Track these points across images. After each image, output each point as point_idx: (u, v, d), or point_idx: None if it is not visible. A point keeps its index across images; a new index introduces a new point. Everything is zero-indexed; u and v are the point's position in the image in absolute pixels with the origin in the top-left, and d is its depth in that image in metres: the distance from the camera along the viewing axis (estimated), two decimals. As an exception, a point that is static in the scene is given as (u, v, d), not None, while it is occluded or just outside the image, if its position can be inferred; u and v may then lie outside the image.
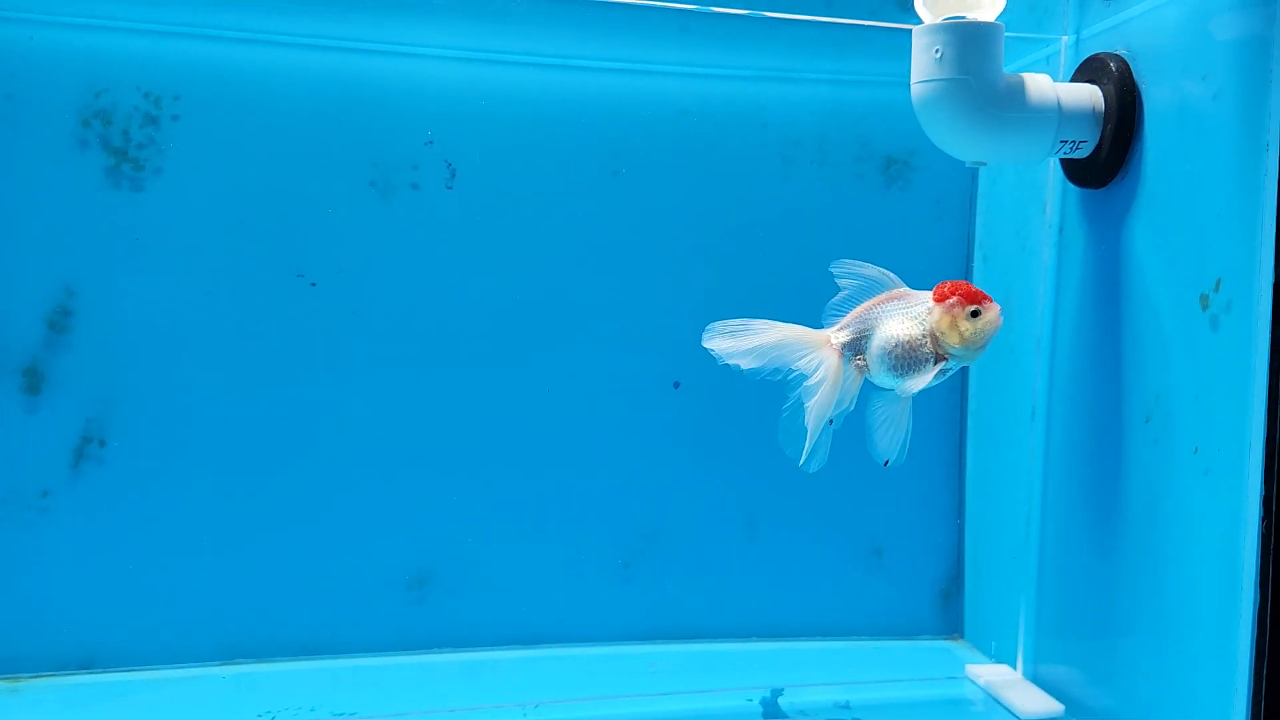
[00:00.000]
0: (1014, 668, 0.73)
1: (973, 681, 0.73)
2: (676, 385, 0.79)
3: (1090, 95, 0.62)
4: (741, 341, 0.57)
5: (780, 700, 0.69)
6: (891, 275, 0.59)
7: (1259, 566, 0.50)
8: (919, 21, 0.60)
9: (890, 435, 0.58)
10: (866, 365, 0.58)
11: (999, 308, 0.56)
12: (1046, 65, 0.71)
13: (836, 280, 0.59)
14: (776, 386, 0.79)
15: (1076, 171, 0.66)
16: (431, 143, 0.74)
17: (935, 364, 0.56)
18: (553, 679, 0.71)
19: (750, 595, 0.80)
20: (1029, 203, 0.76)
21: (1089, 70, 0.64)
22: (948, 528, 0.83)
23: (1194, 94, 0.56)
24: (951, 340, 0.56)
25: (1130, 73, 0.61)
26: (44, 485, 0.70)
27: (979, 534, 0.82)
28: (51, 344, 0.69)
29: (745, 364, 0.58)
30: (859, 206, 0.80)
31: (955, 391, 0.83)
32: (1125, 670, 0.61)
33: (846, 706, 0.68)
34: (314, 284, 0.73)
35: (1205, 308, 0.55)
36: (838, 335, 0.58)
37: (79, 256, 0.69)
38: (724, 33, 0.71)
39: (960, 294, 0.56)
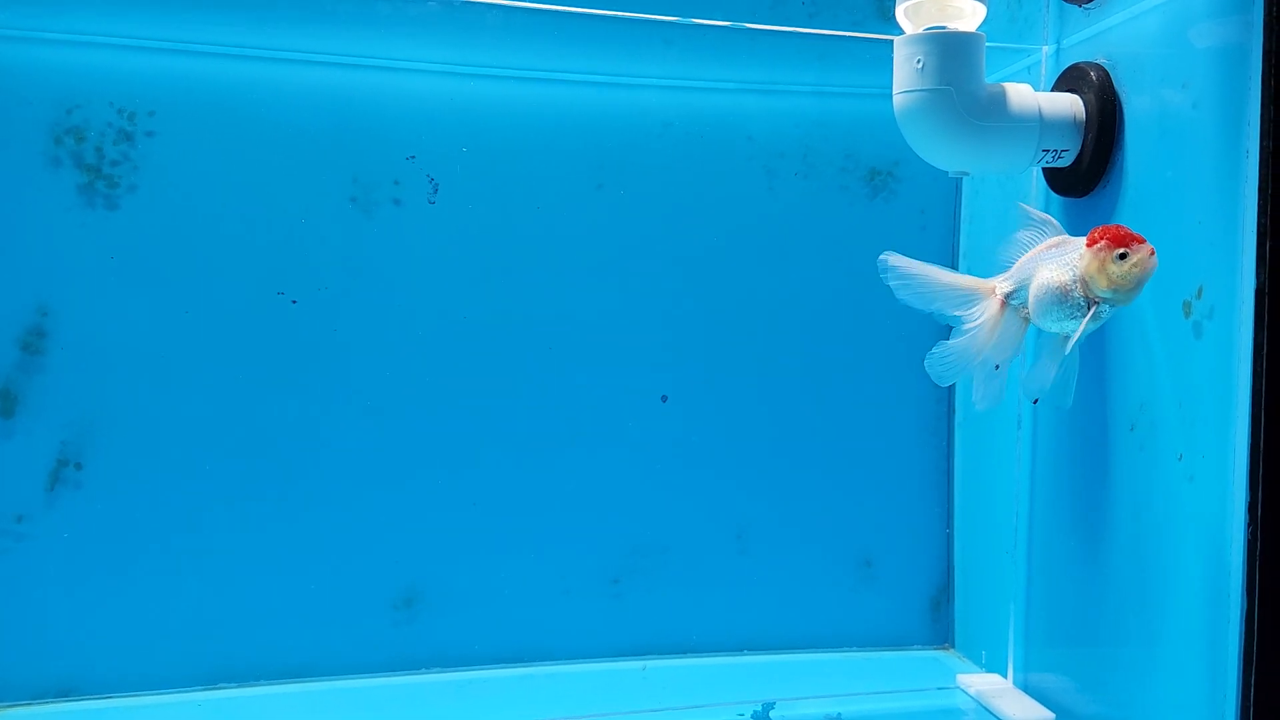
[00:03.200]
0: (1004, 676, 0.73)
1: (964, 691, 0.73)
2: (664, 399, 0.78)
3: (1071, 104, 0.62)
4: (914, 273, 0.60)
5: (772, 714, 0.68)
6: (1053, 221, 0.60)
7: (1245, 572, 0.50)
8: (901, 32, 0.60)
9: (1040, 374, 0.60)
10: (1029, 313, 0.59)
11: (1151, 249, 0.55)
12: (1027, 75, 0.71)
13: (1021, 220, 0.61)
14: (762, 397, 0.80)
15: (1059, 180, 0.66)
16: (413, 158, 0.73)
17: (1089, 309, 0.57)
18: (543, 697, 0.71)
19: (741, 608, 0.80)
20: (1013, 212, 0.76)
21: (1070, 79, 0.64)
22: (937, 537, 0.83)
23: (1174, 102, 0.56)
24: (1100, 284, 0.56)
25: (1110, 81, 0.61)
26: (19, 510, 0.68)
27: (968, 543, 0.82)
28: (25, 366, 0.68)
29: (910, 297, 0.61)
30: (844, 217, 0.80)
31: (943, 401, 0.83)
32: (1115, 678, 0.61)
33: (838, 718, 0.68)
34: (295, 301, 0.72)
35: (1188, 315, 0.55)
36: (1002, 285, 0.60)
37: (53, 276, 0.68)
38: (707, 45, 0.71)
39: (1108, 237, 0.56)
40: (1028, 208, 0.61)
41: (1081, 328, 0.57)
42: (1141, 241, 0.56)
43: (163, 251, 0.70)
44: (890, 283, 0.60)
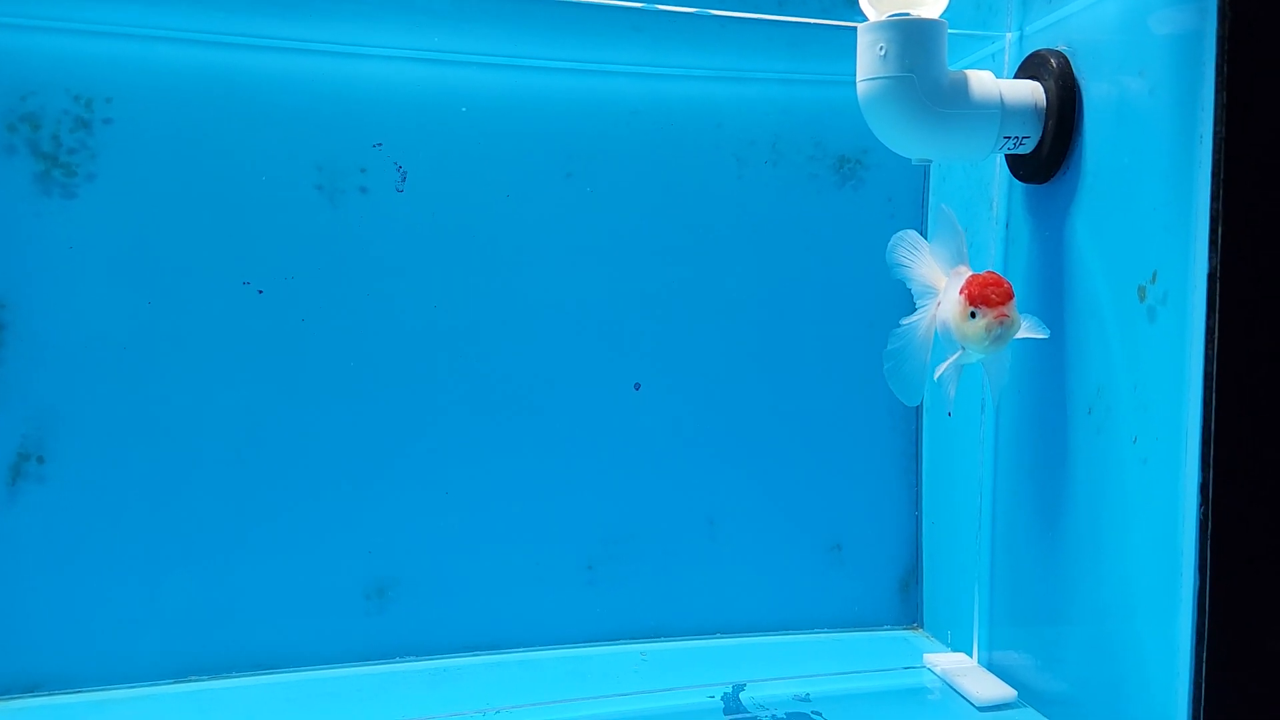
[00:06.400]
0: (970, 655, 0.75)
1: (930, 670, 0.74)
2: (637, 387, 0.79)
3: (1032, 91, 0.63)
4: (908, 257, 0.61)
5: (742, 695, 0.69)
6: (960, 236, 0.59)
7: (1198, 551, 0.51)
8: (865, 19, 0.61)
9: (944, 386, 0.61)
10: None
11: (1000, 313, 0.54)
12: (991, 62, 0.72)
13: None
14: (733, 384, 0.80)
15: (1020, 167, 0.67)
16: (380, 145, 0.73)
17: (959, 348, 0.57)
18: (516, 683, 0.71)
19: (713, 593, 0.80)
20: (977, 199, 0.77)
21: (1031, 67, 0.65)
22: (906, 521, 0.84)
23: (1131, 89, 0.57)
24: (955, 334, 0.56)
25: (1070, 69, 0.62)
26: (-19, 505, 0.67)
27: (936, 526, 0.83)
28: (-17, 359, 0.67)
29: (904, 276, 0.62)
30: (813, 206, 0.80)
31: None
32: (1074, 655, 0.62)
33: (806, 699, 0.69)
34: (261, 291, 0.72)
35: (1143, 299, 0.56)
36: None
37: (9, 267, 0.67)
38: (676, 32, 0.70)
39: (968, 292, 0.55)
40: (947, 210, 0.60)
41: (944, 367, 0.58)
42: (994, 304, 0.54)
43: (123, 241, 0.69)
44: (894, 257, 0.60)
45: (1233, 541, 0.51)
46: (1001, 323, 0.55)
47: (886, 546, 0.83)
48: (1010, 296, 0.55)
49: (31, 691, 0.68)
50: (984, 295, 0.55)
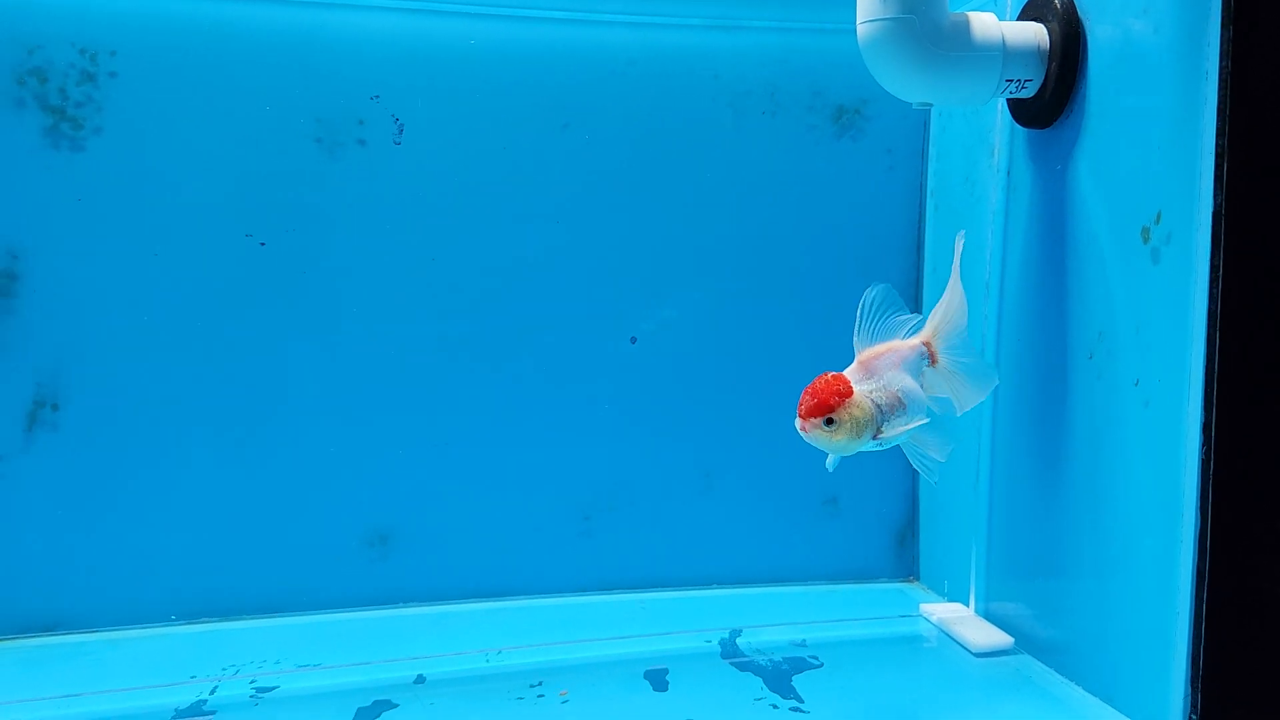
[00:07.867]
0: (966, 606, 0.75)
1: (926, 619, 0.74)
2: (633, 340, 0.79)
3: (1035, 33, 0.62)
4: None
5: (739, 640, 0.70)
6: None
7: (1200, 492, 0.51)
8: (865, -38, 0.60)
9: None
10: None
11: (801, 424, 0.54)
12: (994, 6, 0.71)
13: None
14: (730, 336, 0.80)
15: (1023, 112, 0.66)
16: (378, 97, 0.73)
17: None
18: (516, 627, 0.72)
19: (708, 545, 0.81)
20: (978, 147, 0.76)
21: (1035, 8, 0.64)
22: (902, 474, 0.84)
23: (1135, 28, 0.56)
24: None
25: (1075, 9, 0.61)
26: (-2, 451, 0.69)
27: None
28: (-3, 309, 0.69)
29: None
30: (811, 157, 0.79)
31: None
32: (1073, 603, 0.62)
33: (803, 644, 0.69)
34: (263, 244, 0.72)
35: (1146, 240, 0.55)
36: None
37: (21, 219, 0.68)
38: (672, -21, 0.70)
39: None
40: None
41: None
42: (800, 415, 0.53)
43: (130, 193, 0.70)
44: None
45: (1235, 481, 0.50)
46: (802, 431, 0.54)
47: (883, 500, 0.83)
48: (818, 413, 0.54)
49: (50, 630, 0.71)
50: (801, 398, 0.54)
